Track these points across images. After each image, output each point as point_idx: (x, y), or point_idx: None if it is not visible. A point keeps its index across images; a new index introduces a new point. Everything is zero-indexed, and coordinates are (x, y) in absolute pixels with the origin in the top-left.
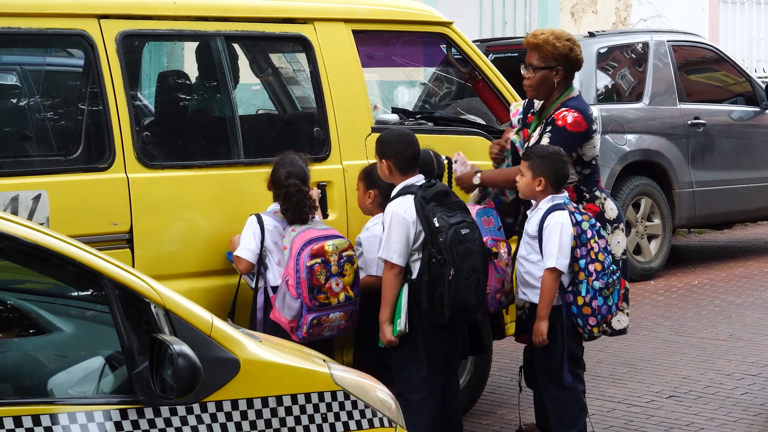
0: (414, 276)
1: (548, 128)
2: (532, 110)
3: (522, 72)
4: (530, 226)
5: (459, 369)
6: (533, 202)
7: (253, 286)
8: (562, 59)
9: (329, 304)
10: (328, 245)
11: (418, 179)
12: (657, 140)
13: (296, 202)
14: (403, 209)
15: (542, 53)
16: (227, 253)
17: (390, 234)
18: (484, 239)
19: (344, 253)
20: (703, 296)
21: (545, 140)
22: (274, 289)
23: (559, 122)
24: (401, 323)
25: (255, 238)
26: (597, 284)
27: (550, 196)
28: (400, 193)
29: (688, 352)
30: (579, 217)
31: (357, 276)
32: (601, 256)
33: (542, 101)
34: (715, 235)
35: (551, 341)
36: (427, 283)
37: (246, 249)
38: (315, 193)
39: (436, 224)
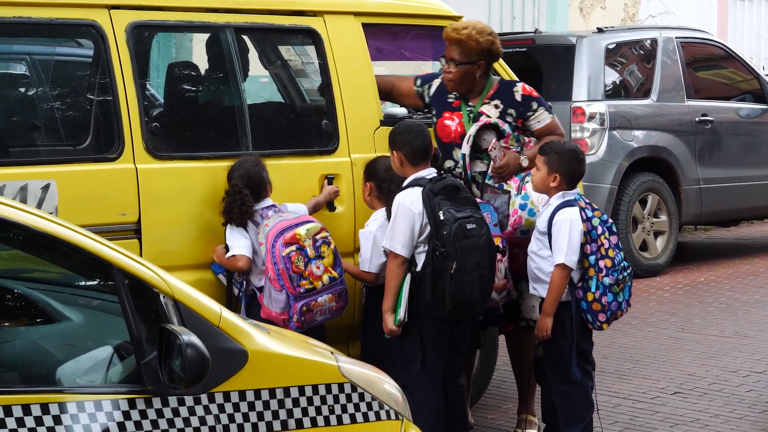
0: (419, 268)
1: (533, 104)
2: (453, 95)
3: (441, 65)
4: (540, 221)
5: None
6: (545, 197)
7: (240, 289)
8: (485, 54)
9: (314, 289)
10: (300, 231)
11: (429, 172)
12: (664, 137)
13: (228, 203)
14: (409, 201)
15: (465, 48)
16: (212, 265)
17: (395, 224)
18: None
19: (318, 236)
20: (708, 293)
21: (546, 114)
22: (261, 289)
23: (535, 94)
24: (401, 313)
25: (244, 236)
26: (607, 280)
27: (561, 193)
28: (410, 185)
29: (693, 349)
30: (590, 213)
31: (336, 256)
32: (611, 253)
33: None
34: (722, 232)
35: (560, 336)
36: (431, 275)
37: (241, 246)
38: (331, 189)
39: (441, 217)
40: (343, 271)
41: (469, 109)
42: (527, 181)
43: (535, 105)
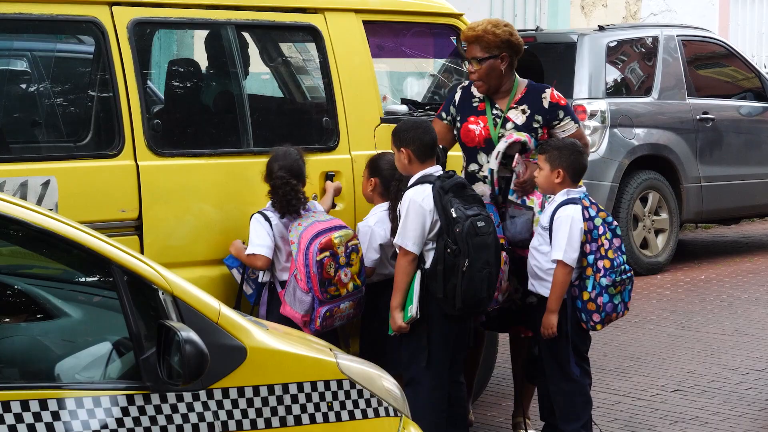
0: (427, 265)
1: (560, 113)
2: (478, 98)
3: (466, 68)
4: (543, 217)
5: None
6: (550, 196)
7: (260, 280)
8: (505, 45)
9: (339, 295)
10: (335, 237)
11: (436, 169)
12: (665, 135)
13: (282, 195)
14: (420, 197)
15: (484, 43)
16: (225, 258)
17: (406, 221)
18: None
19: (350, 243)
20: (709, 291)
21: (571, 124)
22: (282, 284)
23: (563, 102)
24: (413, 309)
25: (269, 234)
26: (604, 281)
27: (565, 190)
28: (419, 182)
29: (693, 347)
30: (592, 212)
31: (362, 264)
32: (610, 254)
33: (490, 94)
34: (722, 230)
35: (558, 334)
36: (442, 272)
37: (262, 245)
38: (333, 186)
39: (454, 215)
40: (365, 280)
41: (495, 113)
42: (550, 198)
43: (561, 114)
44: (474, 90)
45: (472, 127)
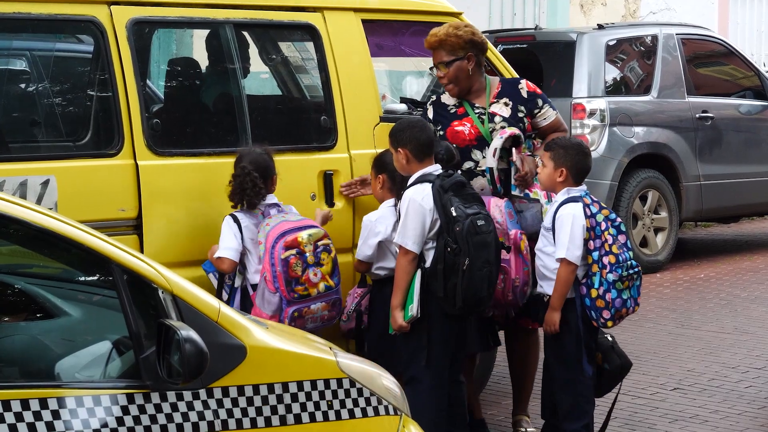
0: (427, 264)
1: (538, 101)
2: (453, 104)
3: (435, 74)
4: (546, 218)
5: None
6: (552, 194)
7: (234, 284)
8: (470, 45)
9: (309, 296)
10: (302, 236)
11: (436, 168)
12: (665, 133)
13: (238, 184)
14: (420, 196)
15: (448, 47)
16: (203, 264)
17: (406, 220)
18: (512, 232)
19: (320, 243)
20: (708, 289)
21: (551, 111)
22: (254, 287)
23: (539, 90)
24: (413, 308)
25: (236, 237)
26: (611, 276)
27: (566, 189)
28: (418, 181)
29: (693, 345)
30: (594, 209)
31: (336, 265)
32: (615, 249)
33: (463, 96)
34: (722, 228)
35: (565, 333)
36: (442, 272)
37: (227, 248)
38: (322, 214)
39: (454, 213)
40: (339, 281)
41: (478, 111)
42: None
43: (540, 102)
44: (445, 99)
45: (459, 128)
